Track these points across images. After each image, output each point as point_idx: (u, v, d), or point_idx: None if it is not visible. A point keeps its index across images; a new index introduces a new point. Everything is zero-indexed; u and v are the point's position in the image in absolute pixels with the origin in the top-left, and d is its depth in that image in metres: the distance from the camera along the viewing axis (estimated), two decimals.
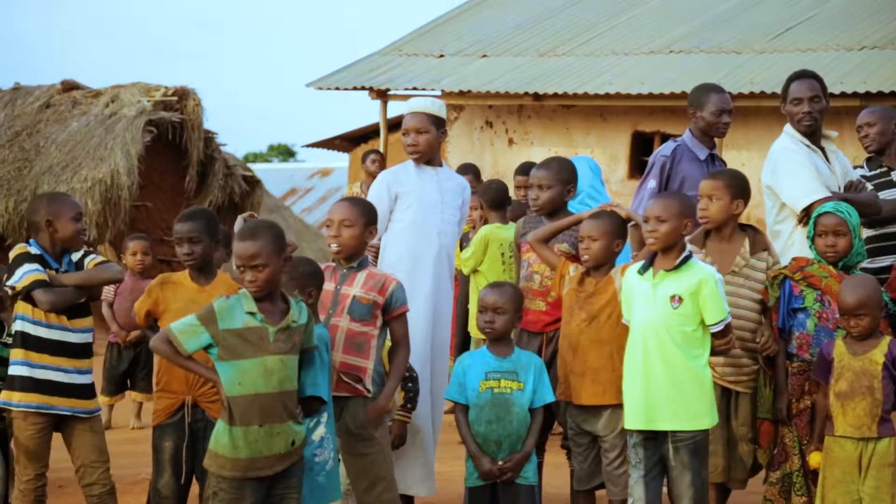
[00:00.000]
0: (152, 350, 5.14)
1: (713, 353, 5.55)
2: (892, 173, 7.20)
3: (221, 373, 4.99)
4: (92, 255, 6.01)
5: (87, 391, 5.95)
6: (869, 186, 6.87)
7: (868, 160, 7.37)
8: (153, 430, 6.04)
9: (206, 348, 5.00)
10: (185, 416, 5.94)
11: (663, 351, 5.47)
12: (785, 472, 5.94)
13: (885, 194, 7.14)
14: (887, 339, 5.62)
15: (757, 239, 5.97)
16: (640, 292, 5.56)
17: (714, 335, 5.51)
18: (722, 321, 5.49)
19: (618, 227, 5.88)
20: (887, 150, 7.31)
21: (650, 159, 7.00)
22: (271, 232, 5.06)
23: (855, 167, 7.31)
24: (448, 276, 6.49)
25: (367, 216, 5.67)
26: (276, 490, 5.06)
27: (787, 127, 6.68)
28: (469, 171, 9.50)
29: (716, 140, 7.01)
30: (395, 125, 15.17)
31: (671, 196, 5.80)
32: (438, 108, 6.39)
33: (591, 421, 5.84)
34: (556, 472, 6.73)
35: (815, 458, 5.72)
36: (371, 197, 6.31)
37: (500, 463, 5.61)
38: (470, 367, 5.72)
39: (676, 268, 5.49)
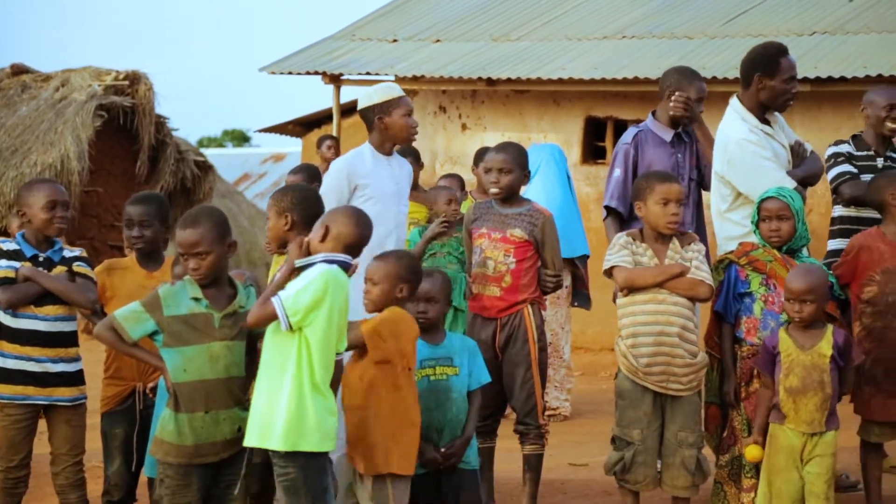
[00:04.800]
0: (96, 338, 5.08)
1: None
2: (877, 159, 7.08)
3: (167, 359, 4.96)
4: (81, 263, 5.90)
5: (65, 379, 5.84)
6: (808, 147, 6.81)
7: (854, 138, 7.22)
8: (102, 417, 5.99)
9: (152, 335, 4.97)
10: (136, 403, 5.91)
11: (265, 361, 4.92)
12: (734, 455, 5.97)
13: (866, 179, 7.07)
14: (830, 328, 5.65)
15: (685, 237, 5.94)
16: None
17: None
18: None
19: (399, 270, 5.40)
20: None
21: (615, 149, 6.94)
22: (213, 218, 5.02)
23: (839, 142, 7.22)
24: None
25: (278, 205, 5.37)
26: (223, 476, 5.05)
27: (738, 106, 6.46)
28: (409, 154, 9.38)
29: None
30: (347, 110, 15.12)
31: None
32: (369, 93, 6.37)
33: None
34: (507, 456, 6.74)
35: (751, 452, 5.71)
36: (327, 185, 6.27)
37: (443, 450, 5.59)
38: None
39: (299, 269, 4.95)
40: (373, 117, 6.31)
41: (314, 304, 4.82)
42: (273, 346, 4.89)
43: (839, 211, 7.06)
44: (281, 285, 4.92)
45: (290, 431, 4.81)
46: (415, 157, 9.25)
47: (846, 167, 6.97)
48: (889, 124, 7.03)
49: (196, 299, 4.98)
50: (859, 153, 7.07)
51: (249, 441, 4.89)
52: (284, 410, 4.81)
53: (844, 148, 7.06)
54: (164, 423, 5.01)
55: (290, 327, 4.81)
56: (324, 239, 4.97)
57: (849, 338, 5.74)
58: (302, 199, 5.32)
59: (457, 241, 8.34)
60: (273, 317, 4.84)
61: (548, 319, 8.79)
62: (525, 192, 8.67)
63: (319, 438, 4.87)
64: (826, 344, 5.61)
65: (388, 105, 6.30)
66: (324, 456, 4.93)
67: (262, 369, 4.91)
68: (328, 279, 4.86)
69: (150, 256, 5.98)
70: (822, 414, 5.59)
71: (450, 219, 8.29)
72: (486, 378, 5.76)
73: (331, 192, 6.18)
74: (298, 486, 4.86)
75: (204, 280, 4.99)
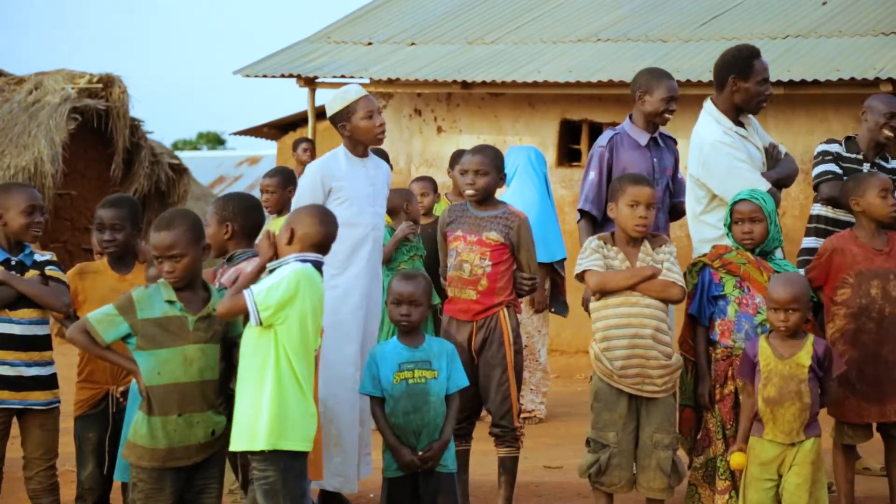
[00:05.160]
0: (69, 341, 5.07)
1: None
2: (864, 164, 7.12)
3: (140, 362, 4.95)
4: (52, 266, 5.88)
5: (39, 383, 5.81)
6: (783, 149, 6.85)
7: (847, 140, 7.27)
8: (75, 421, 5.97)
9: (125, 338, 4.95)
10: (110, 406, 5.89)
11: (244, 366, 4.96)
12: (708, 457, 5.98)
13: None
14: (811, 338, 5.65)
15: (656, 240, 5.95)
16: None
17: None
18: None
19: None
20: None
21: (590, 152, 6.95)
22: (187, 220, 5.02)
23: (830, 140, 7.26)
24: (379, 268, 6.50)
25: (220, 213, 5.44)
26: (197, 480, 5.04)
27: (712, 108, 6.51)
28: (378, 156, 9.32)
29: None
30: (323, 113, 15.11)
31: None
32: (330, 102, 6.38)
33: None
34: (483, 459, 6.75)
35: (736, 459, 5.69)
36: (302, 188, 6.28)
37: (420, 453, 5.60)
38: (382, 359, 5.69)
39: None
40: (336, 124, 6.34)
41: (286, 300, 4.84)
42: (251, 349, 4.90)
43: (817, 209, 7.10)
44: (252, 280, 4.93)
45: (273, 430, 4.82)
46: (384, 159, 9.27)
47: (830, 166, 7.02)
48: (886, 132, 7.11)
49: (170, 302, 4.97)
50: (848, 155, 7.13)
51: (237, 446, 4.89)
52: (267, 410, 4.83)
53: (834, 147, 7.11)
54: (136, 426, 4.99)
55: (261, 322, 4.83)
56: (290, 241, 4.98)
57: (829, 348, 5.72)
58: (244, 209, 5.34)
59: (418, 239, 8.41)
60: (243, 310, 4.85)
61: (524, 322, 8.83)
62: (504, 194, 8.71)
63: (301, 438, 4.89)
64: (805, 354, 5.59)
65: (347, 111, 6.32)
66: (304, 458, 4.94)
67: (242, 374, 4.92)
68: (301, 277, 4.88)
69: (122, 260, 5.97)
70: (800, 423, 5.58)
71: (415, 219, 8.35)
72: (464, 382, 5.77)
73: (305, 195, 6.19)
74: (278, 490, 4.85)
75: (179, 283, 4.98)
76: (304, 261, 4.94)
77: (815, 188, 7.08)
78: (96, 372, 5.88)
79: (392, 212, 8.53)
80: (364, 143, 6.38)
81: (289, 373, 4.87)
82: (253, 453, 4.89)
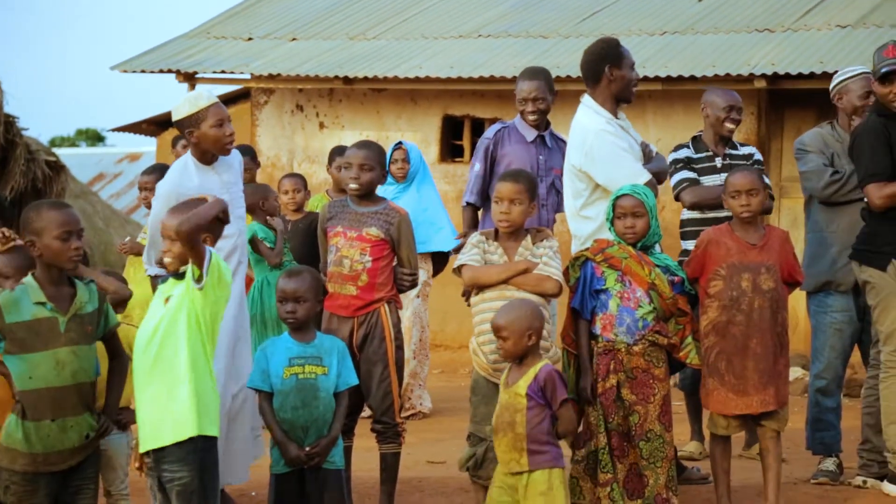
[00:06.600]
0: None
1: None
2: (716, 159, 7.29)
3: (11, 367, 4.87)
4: None
5: None
6: (653, 148, 6.94)
7: (694, 140, 7.39)
8: None
9: None
10: None
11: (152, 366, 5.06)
12: (590, 450, 6.01)
13: (707, 179, 7.21)
14: (538, 366, 5.41)
15: (539, 234, 5.99)
16: None
17: None
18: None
19: None
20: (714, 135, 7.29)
21: (478, 143, 7.13)
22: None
23: (678, 147, 7.39)
24: (244, 268, 6.35)
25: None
26: (72, 482, 4.96)
27: (591, 102, 6.57)
28: (246, 154, 8.98)
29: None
30: None
31: None
32: (178, 106, 6.06)
33: None
34: (366, 455, 6.72)
35: None
36: (157, 212, 5.94)
37: (308, 448, 5.58)
38: (273, 353, 5.67)
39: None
40: (183, 130, 6.04)
41: (225, 283, 5.05)
42: (145, 342, 4.96)
43: (686, 214, 7.27)
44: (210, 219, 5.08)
45: (194, 416, 4.87)
46: (251, 157, 9.17)
47: (684, 174, 7.17)
48: (728, 125, 7.27)
49: (40, 303, 4.87)
50: (698, 155, 7.29)
51: (155, 443, 4.91)
52: (188, 397, 4.88)
53: (683, 153, 7.26)
54: (10, 430, 4.90)
55: (201, 284, 4.92)
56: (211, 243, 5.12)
57: (553, 375, 5.41)
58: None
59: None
60: (199, 256, 4.93)
61: (420, 315, 8.93)
62: (408, 191, 8.85)
63: (216, 423, 4.99)
64: (524, 382, 5.37)
65: (196, 118, 5.96)
66: (216, 451, 4.97)
67: (153, 376, 4.93)
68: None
69: None
70: (519, 454, 5.33)
71: (273, 214, 8.36)
72: (353, 380, 5.77)
73: (161, 217, 5.91)
74: (194, 490, 4.84)
75: (80, 260, 5.00)
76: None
77: (677, 198, 7.21)
78: None
79: (249, 209, 8.38)
80: (211, 152, 6.13)
81: (203, 359, 4.95)
82: (164, 453, 4.87)
